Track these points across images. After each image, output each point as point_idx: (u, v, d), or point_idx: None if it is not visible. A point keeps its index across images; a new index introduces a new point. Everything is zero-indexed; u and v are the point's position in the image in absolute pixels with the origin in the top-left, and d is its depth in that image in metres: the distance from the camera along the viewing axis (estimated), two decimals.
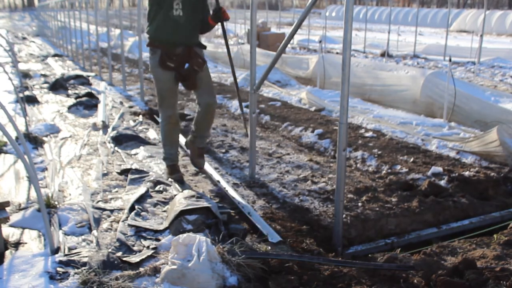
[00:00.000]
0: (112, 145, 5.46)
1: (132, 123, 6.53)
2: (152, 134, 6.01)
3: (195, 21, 4.09)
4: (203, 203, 3.41)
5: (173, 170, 4.35)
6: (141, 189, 4.05)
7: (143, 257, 2.94)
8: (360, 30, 26.13)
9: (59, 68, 12.69)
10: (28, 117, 6.72)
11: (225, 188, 4.12)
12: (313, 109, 7.67)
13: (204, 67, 4.20)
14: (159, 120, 4.41)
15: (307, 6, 3.87)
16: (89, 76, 10.79)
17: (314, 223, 3.62)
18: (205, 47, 4.29)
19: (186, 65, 4.08)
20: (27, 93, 8.24)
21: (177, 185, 4.19)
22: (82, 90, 9.09)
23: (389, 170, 4.77)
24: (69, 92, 9.01)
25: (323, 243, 3.34)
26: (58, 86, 9.29)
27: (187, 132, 6.17)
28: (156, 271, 2.74)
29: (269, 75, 4.43)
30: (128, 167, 4.66)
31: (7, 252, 3.00)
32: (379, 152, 5.25)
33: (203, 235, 2.90)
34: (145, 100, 8.26)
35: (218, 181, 4.28)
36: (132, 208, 3.67)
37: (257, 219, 3.49)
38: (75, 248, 3.05)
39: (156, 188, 4.13)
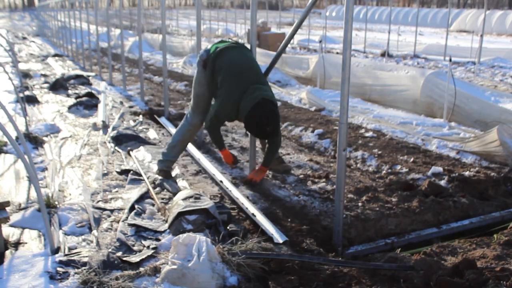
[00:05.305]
0: (112, 145, 5.46)
1: (132, 123, 6.53)
2: (152, 134, 6.01)
3: None
4: (201, 205, 3.40)
5: (167, 175, 4.38)
6: (141, 189, 4.05)
7: (143, 257, 2.94)
8: (360, 30, 26.12)
9: (59, 68, 12.69)
10: (28, 117, 6.72)
11: (228, 188, 4.11)
12: (313, 109, 7.67)
13: None
14: (184, 122, 4.42)
15: (307, 6, 3.87)
16: (89, 76, 10.79)
17: (314, 223, 3.62)
18: None
19: None
20: (27, 93, 8.24)
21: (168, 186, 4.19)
22: (82, 90, 9.10)
23: (389, 170, 4.76)
24: (69, 92, 9.02)
25: (323, 243, 3.34)
26: (58, 86, 9.30)
27: None
28: (156, 271, 2.75)
29: (269, 75, 4.43)
30: (128, 167, 4.67)
31: (7, 252, 3.00)
32: (379, 152, 5.25)
33: (203, 235, 2.90)
34: (145, 100, 8.25)
35: (221, 181, 4.27)
36: (132, 208, 3.67)
37: (262, 219, 3.48)
38: (75, 248, 3.05)
39: (156, 188, 4.13)
